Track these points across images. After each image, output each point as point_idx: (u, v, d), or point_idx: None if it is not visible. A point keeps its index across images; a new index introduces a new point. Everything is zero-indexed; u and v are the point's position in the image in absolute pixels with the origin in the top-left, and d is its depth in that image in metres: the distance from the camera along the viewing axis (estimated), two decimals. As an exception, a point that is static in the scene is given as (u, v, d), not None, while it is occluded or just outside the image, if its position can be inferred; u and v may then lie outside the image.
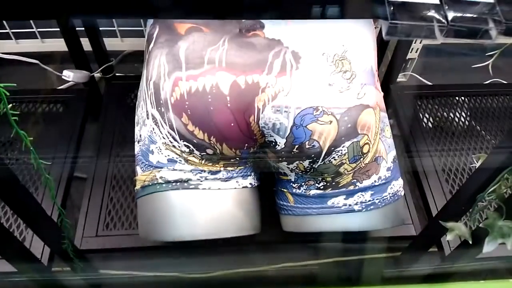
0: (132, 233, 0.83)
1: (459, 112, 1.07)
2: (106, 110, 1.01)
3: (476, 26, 0.35)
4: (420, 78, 1.27)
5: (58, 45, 1.16)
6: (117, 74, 1.12)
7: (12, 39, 1.19)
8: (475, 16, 0.35)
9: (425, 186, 0.92)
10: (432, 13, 0.35)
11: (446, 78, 1.31)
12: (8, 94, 0.40)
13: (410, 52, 1.22)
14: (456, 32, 0.35)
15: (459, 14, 0.35)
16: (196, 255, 0.86)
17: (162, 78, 0.59)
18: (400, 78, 1.27)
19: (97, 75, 1.14)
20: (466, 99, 1.10)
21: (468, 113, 1.07)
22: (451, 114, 1.06)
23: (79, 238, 0.83)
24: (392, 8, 0.33)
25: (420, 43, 1.21)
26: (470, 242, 0.67)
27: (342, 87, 0.59)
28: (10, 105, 0.41)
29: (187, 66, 0.57)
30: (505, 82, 1.26)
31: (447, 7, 0.34)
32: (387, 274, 0.88)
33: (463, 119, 1.05)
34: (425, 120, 1.05)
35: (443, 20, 0.34)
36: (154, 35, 0.62)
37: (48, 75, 1.17)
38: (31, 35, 1.19)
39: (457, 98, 1.10)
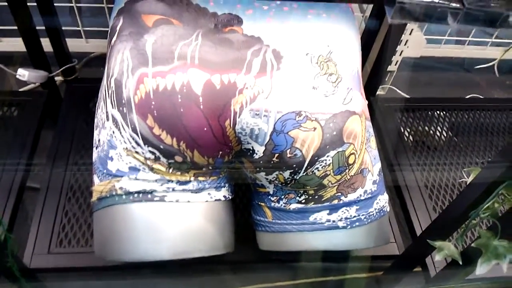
0: (89, 250, 0.75)
1: (441, 126, 1.04)
2: (65, 115, 0.92)
3: (496, 11, 0.30)
4: (399, 92, 1.24)
5: (18, 45, 1.07)
6: (79, 77, 1.04)
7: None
8: (495, 2, 0.30)
9: (407, 202, 0.88)
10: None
11: (426, 92, 1.29)
12: None
13: (390, 65, 1.20)
14: (472, 17, 0.30)
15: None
16: (161, 275, 0.78)
17: (125, 74, 0.52)
18: (379, 91, 1.24)
19: (58, 78, 1.05)
20: (447, 113, 1.08)
21: (450, 128, 1.04)
22: (433, 128, 1.03)
23: (29, 255, 0.74)
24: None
25: (400, 55, 1.18)
26: (461, 263, 0.62)
27: (327, 91, 0.54)
28: None
29: (154, 61, 0.51)
30: (481, 96, 1.26)
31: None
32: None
33: (445, 133, 1.02)
34: (406, 133, 1.02)
35: (458, 3, 0.29)
36: (118, 28, 0.55)
37: (4, 76, 1.08)
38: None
39: (438, 112, 1.08)
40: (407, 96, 1.24)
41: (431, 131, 1.02)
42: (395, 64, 1.21)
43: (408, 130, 1.02)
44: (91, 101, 0.96)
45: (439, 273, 0.75)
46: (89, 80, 1.03)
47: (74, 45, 1.06)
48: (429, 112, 1.07)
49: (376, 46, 1.01)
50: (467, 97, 1.23)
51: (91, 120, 0.91)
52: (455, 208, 0.61)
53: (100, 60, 1.19)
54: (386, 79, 1.26)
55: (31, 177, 0.85)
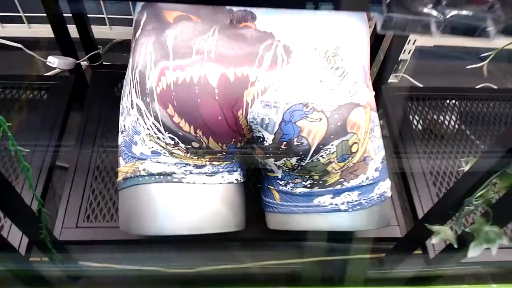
0: (114, 225, 0.81)
1: (450, 115, 1.06)
2: (91, 99, 0.98)
3: (474, 23, 0.33)
4: (412, 80, 1.27)
5: (45, 31, 1.13)
6: (104, 63, 1.10)
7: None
8: (473, 13, 0.34)
9: (412, 188, 0.92)
10: (429, 8, 0.34)
11: (438, 81, 1.31)
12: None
13: (403, 53, 1.22)
14: (452, 28, 0.34)
15: (457, 11, 0.34)
16: (179, 250, 0.85)
17: (148, 67, 0.57)
18: (392, 79, 1.27)
19: (84, 63, 1.11)
20: (456, 102, 1.10)
21: (458, 117, 1.07)
22: (441, 117, 1.05)
23: (58, 229, 0.81)
24: (388, 1, 0.31)
25: (413, 44, 1.20)
26: (456, 246, 0.66)
27: (334, 84, 0.58)
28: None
29: (175, 55, 0.55)
30: (495, 87, 1.27)
31: (445, 3, 0.33)
32: (371, 275, 0.87)
33: (453, 123, 1.05)
34: (415, 122, 1.05)
35: (440, 16, 0.33)
36: (142, 22, 0.60)
37: (33, 61, 1.14)
38: (17, 20, 1.15)
39: (448, 101, 1.10)
40: (419, 85, 1.26)
41: (439, 120, 1.05)
42: (408, 53, 1.24)
43: (417, 118, 1.05)
44: (115, 86, 1.02)
45: (438, 256, 0.79)
46: (113, 66, 1.09)
47: (97, 31, 1.11)
48: (439, 101, 1.09)
49: (389, 34, 1.03)
50: (478, 86, 1.24)
51: (116, 104, 0.97)
52: (451, 196, 0.64)
53: (121, 46, 1.24)
54: (399, 67, 1.28)
55: (60, 157, 0.92)
